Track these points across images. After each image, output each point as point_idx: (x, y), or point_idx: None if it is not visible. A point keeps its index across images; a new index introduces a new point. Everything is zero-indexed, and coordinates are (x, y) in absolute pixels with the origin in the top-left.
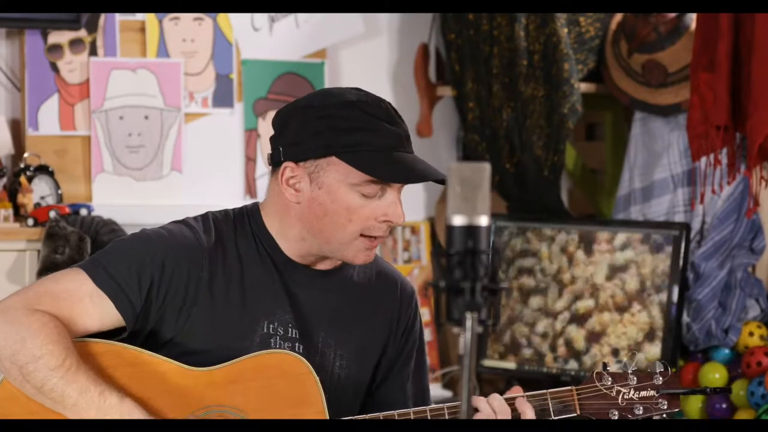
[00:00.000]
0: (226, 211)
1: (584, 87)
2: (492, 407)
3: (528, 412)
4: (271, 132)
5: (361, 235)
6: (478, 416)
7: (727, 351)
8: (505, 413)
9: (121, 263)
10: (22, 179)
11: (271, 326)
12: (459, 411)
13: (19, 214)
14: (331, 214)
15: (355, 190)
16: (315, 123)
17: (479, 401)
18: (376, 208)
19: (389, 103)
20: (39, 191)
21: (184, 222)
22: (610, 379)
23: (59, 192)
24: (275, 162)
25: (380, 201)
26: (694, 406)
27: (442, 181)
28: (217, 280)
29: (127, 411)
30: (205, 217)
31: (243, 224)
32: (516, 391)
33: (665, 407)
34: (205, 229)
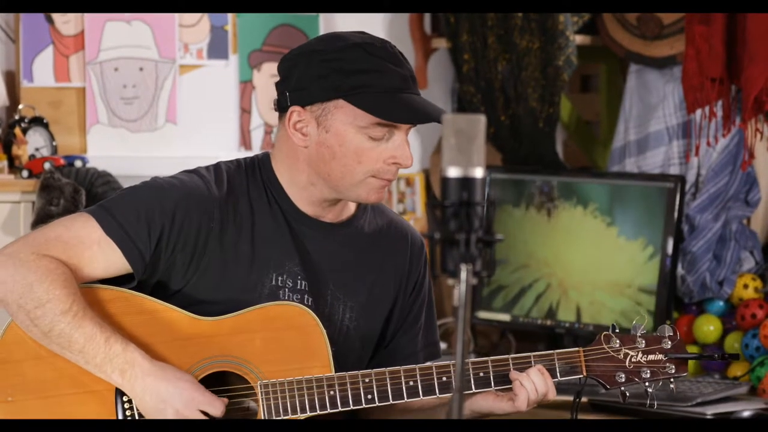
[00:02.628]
0: (238, 161)
1: (579, 39)
2: (534, 385)
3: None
4: (266, 83)
5: (372, 176)
6: (522, 395)
7: (721, 303)
8: (543, 394)
9: (131, 212)
10: (17, 131)
11: (279, 278)
12: (466, 369)
13: (13, 166)
14: (339, 158)
15: (362, 132)
16: (321, 66)
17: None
18: (384, 151)
19: (393, 45)
20: (34, 143)
21: (195, 172)
22: (618, 341)
23: (54, 144)
24: (282, 107)
25: (388, 143)
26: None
27: None
28: (227, 231)
29: (131, 357)
30: (217, 167)
31: (254, 174)
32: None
33: (673, 371)
34: (217, 180)
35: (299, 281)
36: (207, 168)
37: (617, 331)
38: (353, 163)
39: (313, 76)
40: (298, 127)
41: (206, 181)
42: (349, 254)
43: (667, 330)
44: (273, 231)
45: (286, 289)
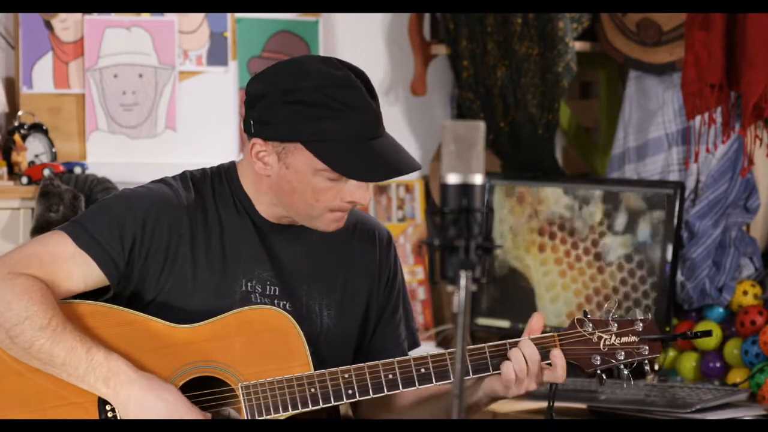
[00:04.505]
0: (203, 170)
1: (579, 45)
2: (524, 354)
3: (559, 363)
4: None
5: (330, 211)
6: (506, 365)
7: (721, 310)
8: (534, 361)
9: (102, 223)
10: (17, 137)
11: (249, 284)
12: (443, 359)
13: (13, 173)
14: (299, 193)
15: (320, 174)
16: (283, 107)
17: (512, 353)
18: (342, 190)
19: (361, 80)
20: (33, 149)
21: (163, 181)
22: (591, 325)
23: (53, 150)
24: (247, 130)
25: (347, 184)
26: (687, 365)
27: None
28: (197, 237)
29: (115, 366)
30: (183, 175)
31: (221, 183)
32: (537, 322)
33: (647, 352)
34: (185, 188)
35: (268, 286)
36: (174, 177)
37: (589, 316)
38: (311, 200)
39: (275, 115)
40: (260, 156)
41: (174, 188)
42: (319, 254)
43: (639, 313)
44: (242, 237)
45: (257, 294)
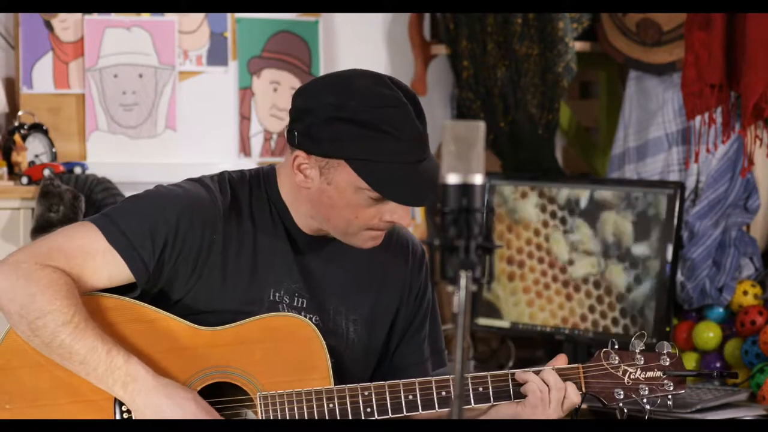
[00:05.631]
0: (242, 173)
1: (579, 45)
2: (546, 382)
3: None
4: (266, 90)
5: (368, 229)
6: (528, 386)
7: (721, 310)
8: (558, 390)
9: (135, 222)
10: (17, 137)
11: (277, 294)
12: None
13: (13, 173)
14: (338, 209)
15: (362, 192)
16: (330, 124)
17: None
18: (382, 210)
19: (409, 99)
20: (33, 149)
21: (200, 181)
22: (617, 358)
23: (53, 150)
24: (290, 141)
25: (388, 204)
26: (687, 365)
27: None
28: (230, 243)
29: (133, 371)
30: (221, 176)
31: (259, 188)
32: (560, 361)
33: (671, 389)
34: (222, 190)
35: (296, 298)
36: (212, 177)
37: (616, 347)
38: (350, 217)
39: (321, 131)
40: (302, 169)
41: (211, 191)
42: (351, 268)
43: (666, 347)
44: (274, 247)
45: (284, 305)
